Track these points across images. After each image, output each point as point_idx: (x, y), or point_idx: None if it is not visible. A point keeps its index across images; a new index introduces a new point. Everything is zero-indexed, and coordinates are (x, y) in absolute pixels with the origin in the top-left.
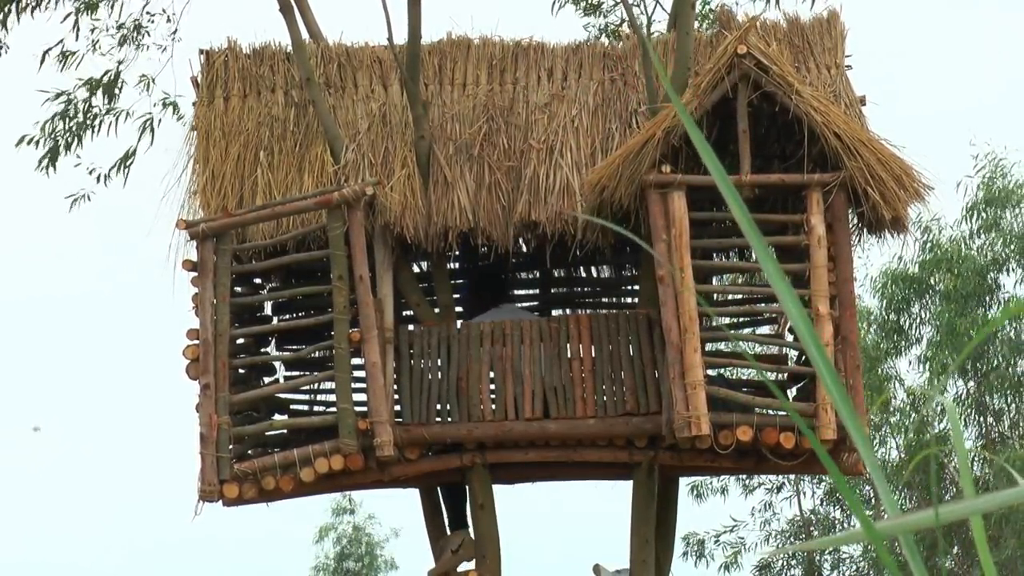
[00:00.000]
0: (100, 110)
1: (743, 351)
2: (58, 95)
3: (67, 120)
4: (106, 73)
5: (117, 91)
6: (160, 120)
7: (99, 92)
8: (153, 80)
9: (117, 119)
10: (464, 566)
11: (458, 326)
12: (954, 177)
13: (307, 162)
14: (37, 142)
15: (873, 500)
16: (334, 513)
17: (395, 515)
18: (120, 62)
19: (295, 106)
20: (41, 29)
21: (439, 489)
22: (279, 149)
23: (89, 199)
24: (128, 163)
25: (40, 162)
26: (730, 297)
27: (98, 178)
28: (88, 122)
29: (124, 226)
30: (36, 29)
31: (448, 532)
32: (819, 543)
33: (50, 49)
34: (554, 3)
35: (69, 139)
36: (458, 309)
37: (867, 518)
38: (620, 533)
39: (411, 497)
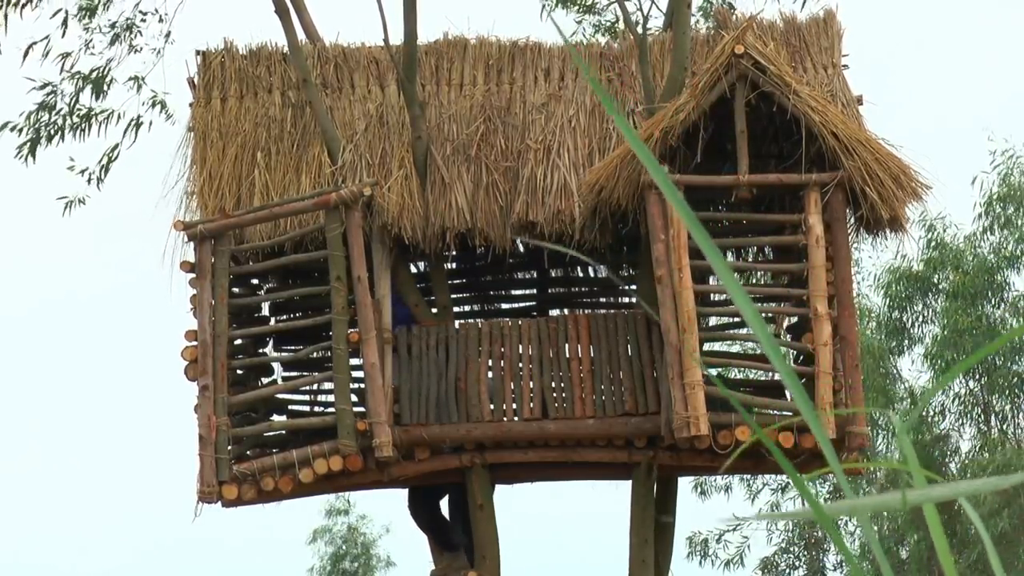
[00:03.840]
0: (84, 108)
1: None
2: (43, 85)
3: (51, 111)
4: (94, 70)
5: (106, 88)
6: (151, 123)
7: (87, 88)
8: (143, 79)
9: (108, 118)
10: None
11: (456, 326)
12: (960, 175)
13: (305, 163)
14: (20, 130)
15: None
16: (328, 515)
17: (385, 512)
18: (110, 59)
19: (292, 107)
20: (30, 26)
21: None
22: (276, 150)
23: (83, 202)
24: (112, 159)
25: (20, 149)
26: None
27: (88, 179)
28: (77, 122)
29: (121, 227)
30: (26, 26)
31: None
32: (773, 516)
33: (35, 44)
34: (543, 8)
35: (52, 131)
36: (456, 309)
37: (817, 502)
38: (620, 533)
39: (400, 494)
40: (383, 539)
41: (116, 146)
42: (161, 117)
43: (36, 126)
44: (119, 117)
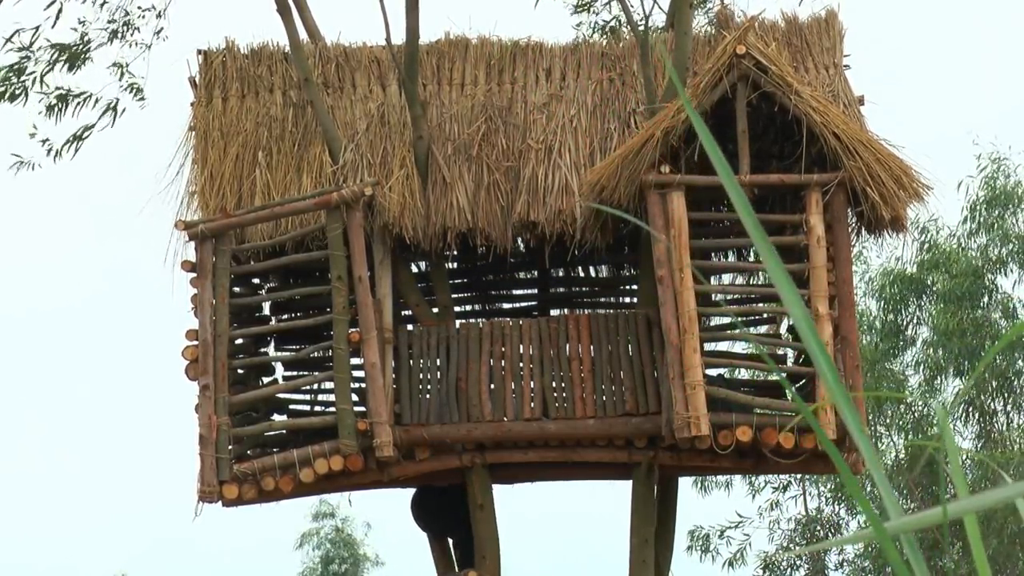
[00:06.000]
0: (62, 89)
1: (754, 347)
2: (20, 48)
3: (19, 75)
4: (75, 44)
5: (81, 64)
6: (124, 109)
7: (62, 61)
8: (126, 66)
9: (84, 101)
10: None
11: (457, 326)
12: (955, 176)
13: (306, 162)
14: None
15: (878, 499)
16: (314, 518)
17: (367, 510)
18: (89, 39)
19: (293, 106)
20: (20, 16)
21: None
22: (278, 150)
23: (33, 169)
24: (82, 139)
25: None
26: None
27: (48, 151)
28: (53, 103)
29: (122, 227)
30: (18, 15)
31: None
32: (830, 543)
33: (20, 31)
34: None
35: (18, 91)
36: (457, 308)
37: (876, 516)
38: (620, 533)
39: (387, 494)
40: (368, 537)
41: (90, 127)
42: (141, 106)
43: (7, 83)
44: (95, 101)
